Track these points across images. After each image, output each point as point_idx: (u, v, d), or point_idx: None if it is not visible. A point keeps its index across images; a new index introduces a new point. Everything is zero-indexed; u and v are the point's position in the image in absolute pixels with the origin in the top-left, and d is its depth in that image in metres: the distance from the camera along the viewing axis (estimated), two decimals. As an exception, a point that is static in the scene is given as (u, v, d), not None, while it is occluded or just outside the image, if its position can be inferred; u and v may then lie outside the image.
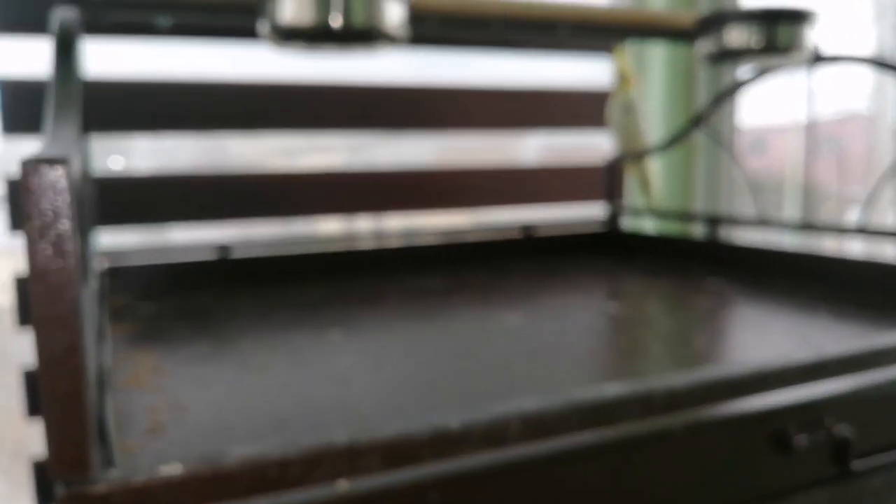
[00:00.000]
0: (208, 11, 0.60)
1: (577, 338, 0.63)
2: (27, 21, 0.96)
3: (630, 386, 0.36)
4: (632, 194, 1.27)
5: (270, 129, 1.06)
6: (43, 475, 1.07)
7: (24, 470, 1.13)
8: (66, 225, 0.25)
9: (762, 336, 0.62)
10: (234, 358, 0.58)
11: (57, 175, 0.25)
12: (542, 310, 0.75)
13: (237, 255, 0.93)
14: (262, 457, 0.28)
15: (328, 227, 1.40)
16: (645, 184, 1.16)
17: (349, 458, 0.29)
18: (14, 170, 1.00)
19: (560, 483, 0.34)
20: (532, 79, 1.24)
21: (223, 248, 0.94)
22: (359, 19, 0.53)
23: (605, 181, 1.18)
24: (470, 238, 1.10)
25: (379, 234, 1.06)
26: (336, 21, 0.52)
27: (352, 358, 0.56)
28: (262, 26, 0.57)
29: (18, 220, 1.01)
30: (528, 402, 0.33)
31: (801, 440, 0.39)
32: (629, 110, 1.11)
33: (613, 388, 0.36)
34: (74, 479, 0.25)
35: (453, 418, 0.31)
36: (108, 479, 0.25)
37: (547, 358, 0.55)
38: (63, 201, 0.25)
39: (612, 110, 1.12)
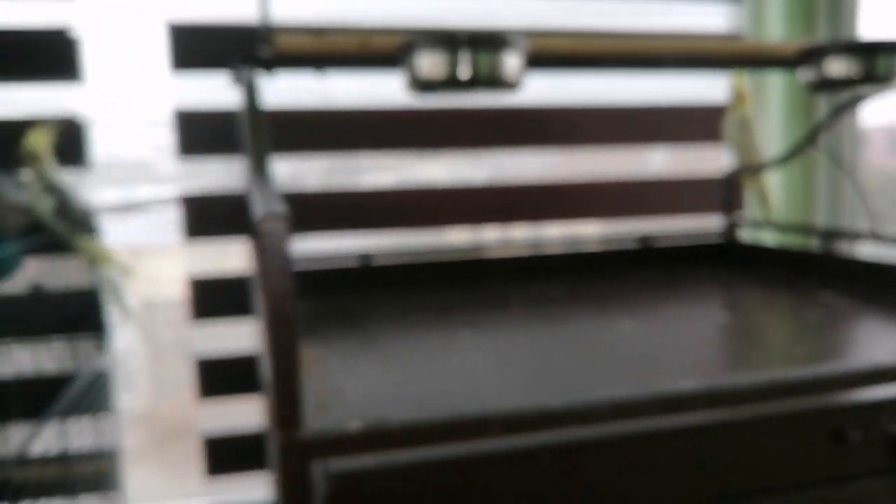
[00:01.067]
0: (359, 66, 0.72)
1: (684, 344, 0.70)
2: (193, 63, 1.15)
3: (702, 383, 0.43)
4: (750, 207, 1.30)
5: (401, 148, 1.19)
6: (213, 448, 1.25)
7: (193, 446, 1.31)
8: (287, 258, 0.36)
9: (863, 347, 0.66)
10: (379, 353, 0.69)
11: (282, 226, 0.36)
12: (656, 318, 0.81)
13: (378, 262, 1.05)
14: (413, 421, 0.38)
15: (457, 237, 1.52)
16: (762, 197, 1.19)
17: (477, 427, 0.39)
18: (188, 187, 1.18)
19: (640, 458, 0.42)
20: (650, 92, 1.30)
21: (365, 257, 1.07)
22: (483, 72, 0.63)
23: (722, 194, 1.22)
24: (591, 248, 1.16)
25: (505, 244, 1.15)
26: (464, 75, 0.63)
27: (479, 355, 0.66)
28: (405, 77, 0.68)
29: (194, 229, 1.20)
30: (618, 391, 0.42)
31: (856, 435, 0.45)
32: (745, 127, 1.14)
33: (687, 384, 0.43)
34: (290, 431, 0.36)
35: (556, 401, 0.40)
36: (311, 431, 0.36)
37: (650, 360, 0.62)
38: (285, 242, 0.36)
39: (729, 126, 1.16)
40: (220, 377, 1.23)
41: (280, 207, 0.37)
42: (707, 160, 1.42)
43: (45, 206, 0.95)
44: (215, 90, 1.15)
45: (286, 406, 0.36)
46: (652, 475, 0.44)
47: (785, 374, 0.44)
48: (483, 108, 1.26)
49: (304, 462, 0.36)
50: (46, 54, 1.10)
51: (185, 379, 1.31)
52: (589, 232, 1.45)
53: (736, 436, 0.45)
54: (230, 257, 1.29)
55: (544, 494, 0.42)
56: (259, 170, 0.48)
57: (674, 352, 0.68)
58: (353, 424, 0.37)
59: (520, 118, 1.27)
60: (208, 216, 1.20)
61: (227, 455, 1.25)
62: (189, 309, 1.21)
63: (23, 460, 0.91)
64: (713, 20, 1.37)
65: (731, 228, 1.21)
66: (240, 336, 1.22)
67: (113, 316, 1.09)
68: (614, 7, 1.30)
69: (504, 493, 0.41)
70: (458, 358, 0.65)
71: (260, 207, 0.39)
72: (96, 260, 1.00)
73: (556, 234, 1.35)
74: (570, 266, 1.14)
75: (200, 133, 1.16)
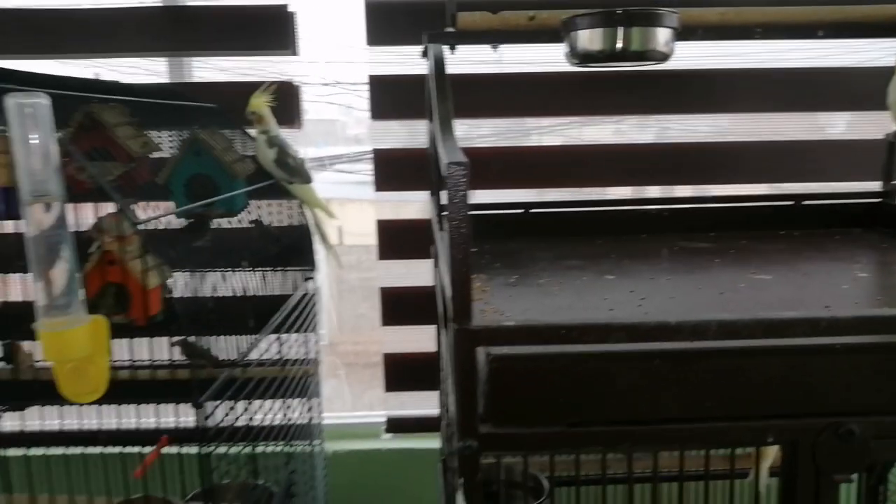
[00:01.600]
0: (528, 40, 0.83)
1: (809, 294, 0.76)
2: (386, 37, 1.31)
3: (803, 313, 0.51)
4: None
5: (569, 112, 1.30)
6: (392, 368, 1.45)
7: (371, 371, 1.52)
8: (466, 202, 0.49)
9: None
10: (533, 287, 0.82)
11: (463, 173, 0.49)
12: (795, 271, 0.87)
13: (539, 212, 1.17)
14: (555, 323, 0.50)
15: (616, 192, 1.60)
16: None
17: (603, 331, 0.50)
18: (378, 146, 1.37)
19: (742, 370, 0.52)
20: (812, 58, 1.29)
21: (526, 205, 1.20)
22: (636, 45, 0.73)
23: (885, 159, 1.20)
24: (742, 206, 1.20)
25: (657, 200, 1.22)
26: (619, 47, 0.72)
27: (620, 294, 0.77)
28: (565, 50, 0.79)
29: (382, 183, 1.38)
30: (726, 315, 0.51)
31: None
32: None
33: (790, 313, 0.52)
34: (463, 324, 0.49)
35: (672, 317, 0.51)
36: (477, 324, 0.50)
37: (777, 303, 0.69)
38: (465, 190, 0.49)
39: (891, 90, 1.14)
40: (401, 307, 1.43)
41: (462, 158, 0.51)
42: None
43: (268, 156, 1.17)
44: (404, 61, 1.32)
45: (461, 306, 0.49)
46: (752, 387, 0.53)
47: (873, 313, 0.52)
48: (650, 72, 1.32)
49: (472, 346, 0.50)
50: (267, 28, 1.32)
51: (366, 315, 1.52)
52: (741, 192, 1.47)
53: (830, 361, 0.53)
54: (409, 210, 1.47)
55: (656, 389, 0.53)
56: (446, 129, 0.61)
57: (802, 298, 0.74)
58: (508, 321, 0.50)
59: (689, 81, 1.32)
60: (394, 171, 1.38)
61: (403, 374, 1.45)
62: (377, 248, 1.41)
63: (246, 363, 1.14)
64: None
65: (888, 193, 1.20)
66: (418, 275, 1.40)
67: (317, 251, 1.30)
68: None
69: (623, 385, 0.53)
70: (602, 295, 0.77)
71: (445, 158, 0.53)
72: (307, 203, 1.21)
73: (712, 193, 1.39)
74: (720, 223, 1.18)
75: (391, 98, 1.33)
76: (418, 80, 1.33)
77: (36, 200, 0.66)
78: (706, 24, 0.80)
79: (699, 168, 1.38)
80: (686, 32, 0.78)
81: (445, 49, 0.87)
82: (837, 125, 1.62)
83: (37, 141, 0.65)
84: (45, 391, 1.22)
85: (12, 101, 0.63)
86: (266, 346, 1.17)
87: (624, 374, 0.52)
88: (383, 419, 1.50)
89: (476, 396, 0.52)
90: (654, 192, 1.72)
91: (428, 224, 1.27)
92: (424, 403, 1.49)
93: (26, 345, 1.18)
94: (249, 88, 1.17)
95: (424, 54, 0.85)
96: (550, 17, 0.81)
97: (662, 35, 0.73)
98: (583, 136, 1.58)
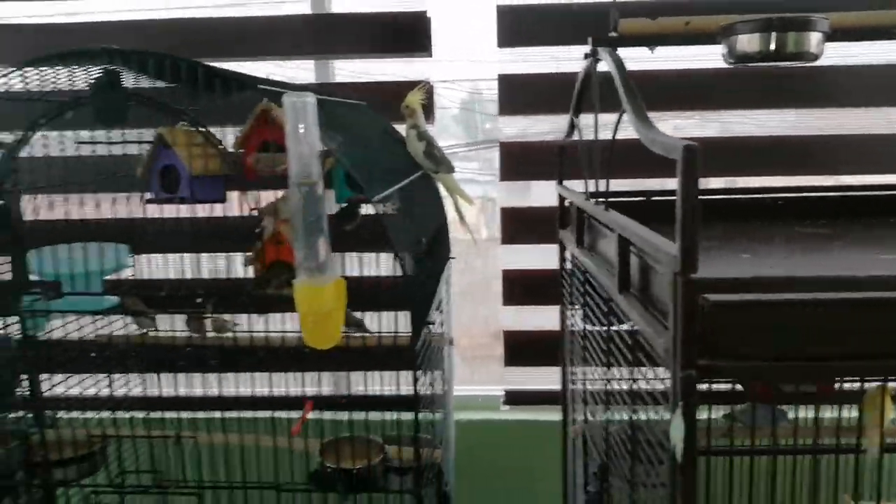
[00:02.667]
0: (686, 43, 0.95)
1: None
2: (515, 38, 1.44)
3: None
4: None
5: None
6: (511, 343, 1.57)
7: (490, 349, 1.65)
8: (696, 176, 0.61)
9: None
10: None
11: (695, 153, 0.61)
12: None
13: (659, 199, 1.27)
14: (765, 276, 0.63)
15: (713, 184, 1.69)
16: None
17: (810, 283, 0.63)
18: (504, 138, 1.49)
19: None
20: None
21: (648, 193, 1.30)
22: (790, 48, 0.84)
23: None
24: (853, 195, 1.28)
25: (768, 189, 1.32)
26: (774, 48, 0.84)
27: (749, 267, 0.86)
28: (722, 51, 0.90)
29: (507, 173, 1.51)
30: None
31: None
32: None
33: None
34: (689, 273, 0.62)
35: (853, 272, 0.63)
36: (701, 275, 0.62)
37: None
38: (697, 167, 0.61)
39: None
40: (520, 288, 1.55)
41: (692, 143, 0.62)
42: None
43: (418, 149, 1.30)
44: (532, 61, 1.45)
45: (689, 258, 0.61)
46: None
47: None
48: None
49: (696, 295, 0.62)
50: (407, 33, 1.46)
51: (488, 297, 1.65)
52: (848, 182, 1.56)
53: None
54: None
55: (845, 332, 0.64)
56: (644, 121, 0.73)
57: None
58: (726, 275, 0.63)
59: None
60: (519, 162, 1.51)
61: (523, 350, 1.58)
62: (501, 235, 1.54)
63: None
64: None
65: None
66: (540, 260, 1.52)
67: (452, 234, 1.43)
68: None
69: (817, 328, 0.65)
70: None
71: (663, 144, 0.65)
72: (449, 190, 1.34)
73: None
74: (831, 211, 1.27)
75: (519, 95, 1.46)
76: (544, 77, 1.47)
77: (303, 182, 0.79)
78: (845, 27, 0.90)
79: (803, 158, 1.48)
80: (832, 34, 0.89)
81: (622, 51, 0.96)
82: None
83: (303, 131, 0.78)
84: (223, 359, 1.39)
85: (288, 99, 0.77)
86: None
87: (820, 319, 0.64)
88: (501, 393, 1.63)
89: (694, 335, 0.64)
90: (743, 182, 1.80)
91: (551, 211, 1.38)
92: (536, 380, 1.62)
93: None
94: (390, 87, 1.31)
95: (588, 56, 0.98)
96: (704, 22, 0.93)
97: (815, 38, 0.84)
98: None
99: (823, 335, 0.65)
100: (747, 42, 0.86)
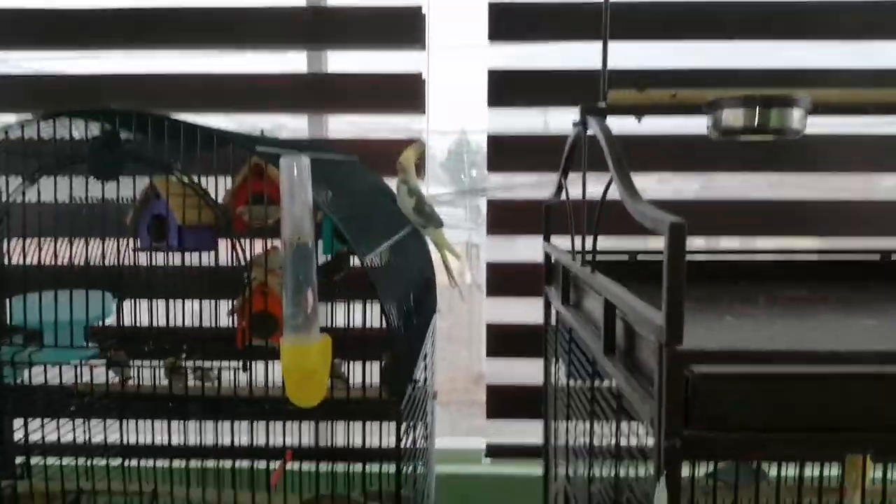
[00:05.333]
0: (666, 114, 0.98)
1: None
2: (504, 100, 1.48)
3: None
4: None
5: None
6: (494, 396, 1.57)
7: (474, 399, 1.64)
8: (684, 249, 0.63)
9: None
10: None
11: (683, 228, 0.63)
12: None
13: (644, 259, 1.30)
14: (755, 349, 0.64)
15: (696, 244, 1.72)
16: None
17: (798, 357, 0.64)
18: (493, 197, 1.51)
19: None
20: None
21: (633, 252, 1.32)
22: (773, 123, 0.87)
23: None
24: (833, 259, 1.31)
25: (751, 251, 1.34)
26: (756, 124, 0.87)
27: (733, 333, 0.88)
28: (708, 123, 0.94)
29: (493, 228, 1.53)
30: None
31: None
32: None
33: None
34: (674, 346, 0.63)
35: (843, 346, 0.64)
36: (687, 347, 0.63)
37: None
38: (684, 240, 0.63)
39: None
40: (504, 341, 1.56)
41: (678, 219, 0.64)
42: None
43: (407, 204, 1.32)
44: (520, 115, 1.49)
45: (674, 330, 0.63)
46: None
47: None
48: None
49: (681, 366, 0.63)
50: (400, 96, 1.49)
51: (471, 340, 1.65)
52: (828, 246, 1.60)
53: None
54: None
55: (829, 405, 0.65)
56: (633, 193, 0.75)
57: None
58: (710, 347, 0.64)
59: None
60: (506, 218, 1.53)
61: (505, 403, 1.58)
62: (486, 288, 1.55)
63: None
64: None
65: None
66: (524, 312, 1.54)
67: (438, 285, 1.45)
68: None
69: (801, 401, 0.66)
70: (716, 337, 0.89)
71: (652, 218, 0.67)
72: (438, 245, 1.36)
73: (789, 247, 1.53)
74: (813, 274, 1.29)
75: (508, 153, 1.50)
76: (532, 140, 1.50)
77: (295, 240, 0.80)
78: (825, 103, 0.94)
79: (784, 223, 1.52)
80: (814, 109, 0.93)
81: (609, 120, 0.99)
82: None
83: (298, 191, 0.80)
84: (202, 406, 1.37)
85: (284, 161, 0.78)
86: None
87: (809, 391, 0.65)
88: (482, 445, 1.62)
89: (679, 405, 0.65)
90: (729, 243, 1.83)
91: (535, 267, 1.39)
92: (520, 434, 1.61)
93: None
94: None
95: (577, 124, 1.01)
96: (690, 95, 0.96)
97: (797, 114, 0.88)
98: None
99: (811, 408, 0.66)
100: (732, 117, 0.90)
